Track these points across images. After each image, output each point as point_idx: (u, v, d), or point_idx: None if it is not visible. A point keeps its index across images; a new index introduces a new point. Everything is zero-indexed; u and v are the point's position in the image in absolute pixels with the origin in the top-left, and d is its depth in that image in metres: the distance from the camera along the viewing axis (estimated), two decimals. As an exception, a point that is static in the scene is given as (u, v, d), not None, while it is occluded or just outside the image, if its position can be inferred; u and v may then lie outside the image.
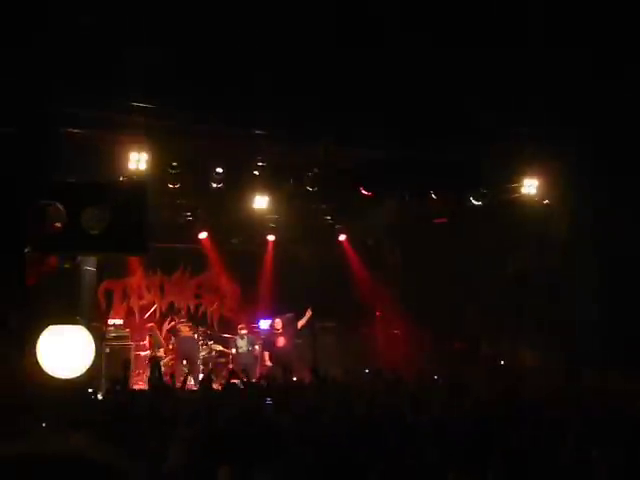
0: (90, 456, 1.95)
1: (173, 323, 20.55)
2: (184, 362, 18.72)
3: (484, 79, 12.96)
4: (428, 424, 8.21)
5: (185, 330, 19.93)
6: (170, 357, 19.27)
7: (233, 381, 13.51)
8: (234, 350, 19.73)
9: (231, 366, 19.08)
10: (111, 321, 18.99)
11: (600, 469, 6.31)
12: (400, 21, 11.82)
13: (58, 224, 13.76)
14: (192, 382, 18.92)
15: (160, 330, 20.16)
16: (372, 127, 14.14)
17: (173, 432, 7.66)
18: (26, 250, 13.13)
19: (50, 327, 9.52)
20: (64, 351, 9.46)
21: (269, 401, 10.82)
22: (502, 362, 18.34)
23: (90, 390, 12.56)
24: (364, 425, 8.18)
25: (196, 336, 19.97)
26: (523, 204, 17.35)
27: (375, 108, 13.40)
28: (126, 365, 14.30)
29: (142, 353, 18.97)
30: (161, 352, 18.99)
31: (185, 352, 19.34)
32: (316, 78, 12.70)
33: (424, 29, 12.07)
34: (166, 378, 13.29)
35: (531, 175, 16.87)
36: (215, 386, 14.36)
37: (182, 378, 15.30)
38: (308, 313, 19.30)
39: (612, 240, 15.10)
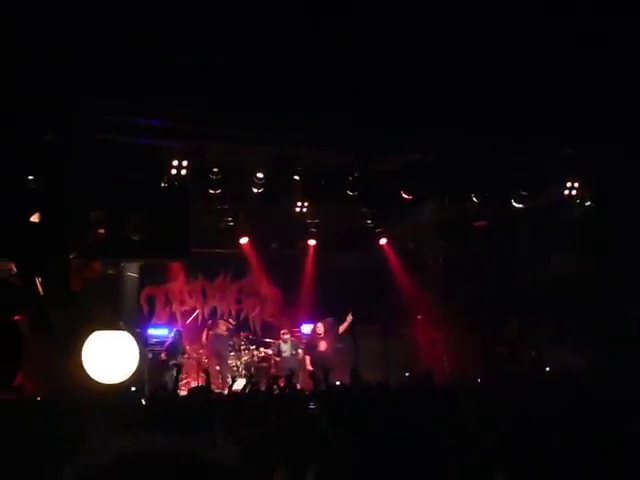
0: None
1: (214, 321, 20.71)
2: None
3: (528, 79, 12.88)
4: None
5: (222, 328, 20.10)
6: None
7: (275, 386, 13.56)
8: (277, 354, 19.87)
9: (273, 370, 19.23)
10: (153, 326, 19.12)
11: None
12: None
13: (102, 230, 13.95)
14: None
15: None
16: (410, 129, 14.13)
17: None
18: (71, 256, 13.32)
19: (95, 332, 9.65)
20: (109, 356, 9.56)
21: (312, 405, 10.81)
22: (547, 368, 18.22)
23: (134, 392, 12.63)
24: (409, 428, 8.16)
25: (230, 335, 20.29)
26: (565, 206, 17.26)
27: (414, 110, 13.38)
28: (178, 370, 14.36)
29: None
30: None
31: (216, 350, 19.54)
32: (354, 84, 12.70)
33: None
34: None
35: (573, 177, 16.79)
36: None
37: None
38: (349, 318, 19.30)
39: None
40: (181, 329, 19.48)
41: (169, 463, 1.96)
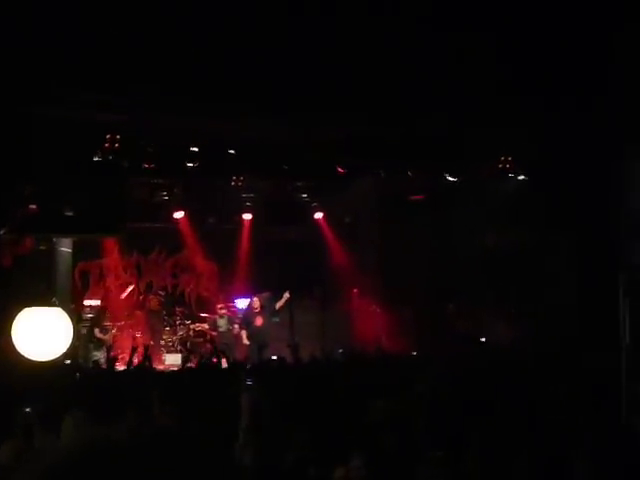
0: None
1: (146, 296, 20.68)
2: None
3: (465, 57, 12.94)
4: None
5: (154, 303, 20.08)
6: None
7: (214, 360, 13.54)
8: (213, 329, 19.84)
9: (209, 345, 19.19)
10: (87, 302, 18.92)
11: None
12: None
13: (33, 206, 13.74)
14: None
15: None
16: (346, 104, 14.09)
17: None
18: (1, 232, 13.10)
19: (26, 309, 9.52)
20: (41, 333, 9.44)
21: (250, 382, 10.80)
22: (483, 339, 18.45)
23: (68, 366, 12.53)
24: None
25: (164, 310, 20.40)
26: (500, 179, 17.43)
27: (351, 84, 13.36)
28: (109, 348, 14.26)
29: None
30: None
31: (150, 325, 19.54)
32: (290, 54, 12.64)
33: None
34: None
35: (508, 151, 16.93)
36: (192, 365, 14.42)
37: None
38: (286, 295, 19.28)
39: (588, 216, 15.14)
40: (104, 306, 19.38)
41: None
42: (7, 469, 5.78)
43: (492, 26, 12.46)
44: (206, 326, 20.24)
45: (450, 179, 17.57)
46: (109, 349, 12.33)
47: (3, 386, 8.98)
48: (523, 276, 17.24)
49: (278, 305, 19.18)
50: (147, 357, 12.36)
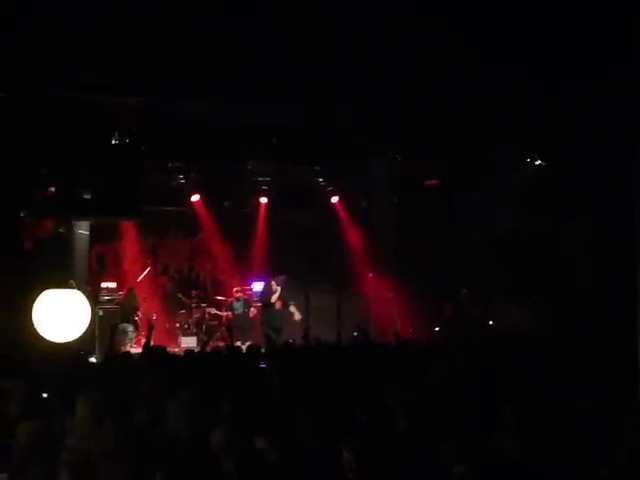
0: None
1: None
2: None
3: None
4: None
5: (169, 287, 20.36)
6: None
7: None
8: (230, 313, 19.93)
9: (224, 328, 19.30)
10: (104, 284, 19.00)
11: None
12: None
13: (52, 189, 13.81)
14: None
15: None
16: (362, 87, 14.06)
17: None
18: (21, 214, 13.17)
19: (46, 291, 9.59)
20: (60, 315, 9.52)
21: (264, 364, 10.87)
22: (491, 322, 18.48)
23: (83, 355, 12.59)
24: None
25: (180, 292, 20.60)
26: (516, 165, 17.41)
27: (367, 67, 13.33)
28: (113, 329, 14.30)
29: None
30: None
31: (165, 307, 19.78)
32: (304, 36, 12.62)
33: None
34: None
35: (524, 135, 16.87)
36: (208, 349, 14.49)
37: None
38: (277, 288, 19.08)
39: (604, 200, 15.10)
40: (132, 287, 19.36)
41: None
42: (26, 449, 5.85)
43: (508, 8, 12.39)
44: (221, 309, 20.38)
45: (466, 164, 17.56)
46: (151, 328, 12.31)
47: (23, 367, 9.07)
48: (539, 261, 17.20)
49: (273, 298, 18.97)
50: (149, 337, 12.29)
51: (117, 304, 18.33)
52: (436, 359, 10.15)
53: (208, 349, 12.83)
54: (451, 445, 5.88)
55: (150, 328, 12.34)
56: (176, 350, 17.22)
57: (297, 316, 18.74)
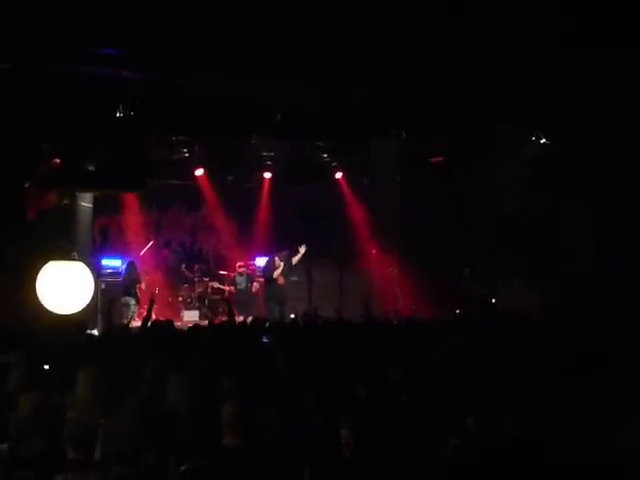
0: None
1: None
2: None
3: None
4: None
5: (172, 259, 20.39)
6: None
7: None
8: (233, 287, 19.96)
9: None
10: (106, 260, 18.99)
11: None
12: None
13: (57, 160, 13.78)
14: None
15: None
16: (366, 64, 14.00)
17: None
18: (26, 185, 13.15)
19: (50, 263, 9.61)
20: (64, 287, 9.54)
21: (266, 339, 10.88)
22: (493, 300, 18.47)
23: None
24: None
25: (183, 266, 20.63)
26: (521, 144, 17.36)
27: (371, 44, 13.27)
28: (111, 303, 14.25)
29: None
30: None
31: (168, 281, 19.84)
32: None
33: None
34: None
35: (529, 115, 16.81)
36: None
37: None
38: (302, 249, 19.24)
39: (607, 182, 15.06)
40: (134, 259, 19.30)
41: None
42: (27, 421, 5.85)
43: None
44: (224, 284, 20.43)
45: (470, 142, 17.52)
46: (152, 302, 12.32)
47: (25, 339, 9.07)
48: (541, 242, 17.16)
49: (294, 260, 19.15)
50: (150, 311, 12.29)
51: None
52: (440, 338, 10.15)
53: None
54: (451, 422, 5.90)
55: (151, 302, 12.35)
56: (178, 324, 17.25)
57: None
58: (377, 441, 5.62)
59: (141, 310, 18.04)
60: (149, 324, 11.74)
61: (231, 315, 13.43)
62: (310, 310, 14.59)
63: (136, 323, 15.85)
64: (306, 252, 18.97)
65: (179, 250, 21.44)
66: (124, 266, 18.67)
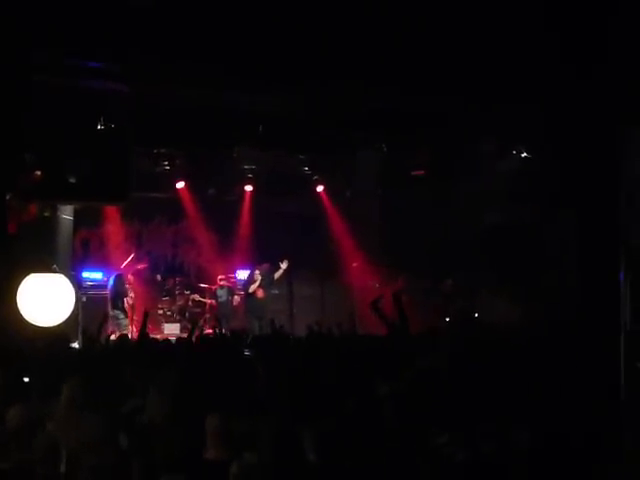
0: None
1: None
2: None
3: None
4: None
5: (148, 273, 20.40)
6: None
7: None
8: (214, 300, 19.93)
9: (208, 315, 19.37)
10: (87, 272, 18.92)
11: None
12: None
13: (38, 172, 13.73)
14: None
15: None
16: (349, 77, 14.02)
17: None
18: (7, 197, 13.07)
19: (31, 275, 9.53)
20: (45, 299, 9.47)
21: (248, 353, 10.86)
22: (476, 314, 18.46)
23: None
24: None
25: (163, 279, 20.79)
26: (502, 157, 17.42)
27: (353, 57, 13.30)
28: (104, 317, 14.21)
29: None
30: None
31: (147, 294, 19.77)
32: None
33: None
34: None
35: (510, 127, 16.87)
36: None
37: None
38: (284, 265, 19.28)
39: (589, 195, 15.10)
40: (122, 273, 19.24)
41: None
42: (16, 434, 5.84)
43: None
44: (205, 297, 20.38)
45: (452, 155, 17.57)
46: (146, 316, 12.27)
47: (7, 352, 9.03)
48: (524, 255, 17.19)
49: (277, 275, 19.17)
50: (144, 325, 12.26)
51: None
52: (421, 351, 10.13)
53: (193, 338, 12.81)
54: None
55: (145, 315, 12.32)
56: (159, 337, 17.18)
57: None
58: (360, 453, 5.62)
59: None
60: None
61: (220, 332, 13.43)
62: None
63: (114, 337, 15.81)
64: (288, 267, 19.00)
65: (160, 263, 21.36)
66: (111, 279, 18.62)
